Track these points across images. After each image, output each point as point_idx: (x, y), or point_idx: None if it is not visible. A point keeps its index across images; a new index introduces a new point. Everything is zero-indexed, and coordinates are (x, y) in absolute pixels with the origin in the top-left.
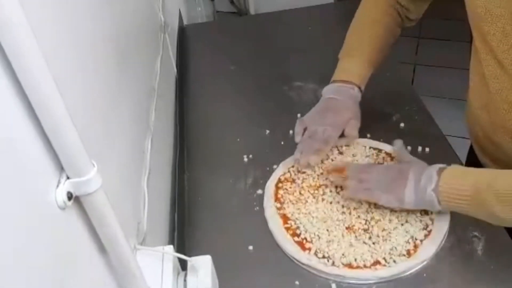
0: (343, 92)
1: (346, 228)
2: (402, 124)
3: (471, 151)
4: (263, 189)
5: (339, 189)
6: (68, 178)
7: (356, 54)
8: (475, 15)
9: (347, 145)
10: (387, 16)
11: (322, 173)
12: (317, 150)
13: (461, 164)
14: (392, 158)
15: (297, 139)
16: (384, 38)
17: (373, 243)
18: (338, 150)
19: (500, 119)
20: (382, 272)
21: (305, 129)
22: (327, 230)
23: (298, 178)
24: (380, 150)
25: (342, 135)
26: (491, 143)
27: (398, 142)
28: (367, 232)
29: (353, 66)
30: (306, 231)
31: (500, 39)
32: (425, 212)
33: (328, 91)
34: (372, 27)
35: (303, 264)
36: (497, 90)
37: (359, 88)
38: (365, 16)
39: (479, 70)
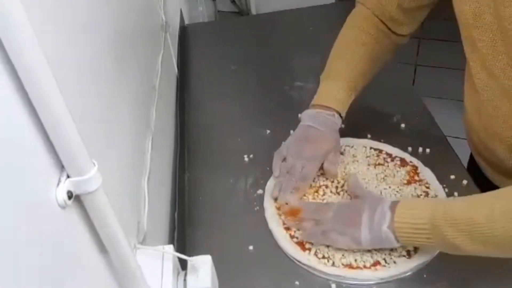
0: (321, 119)
1: None
2: (402, 125)
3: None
4: (263, 189)
5: (339, 189)
6: (68, 177)
7: (338, 78)
8: (464, 22)
9: (348, 145)
10: (372, 39)
11: (322, 174)
12: (296, 189)
13: (462, 165)
14: (393, 159)
15: (276, 173)
16: (368, 62)
17: None
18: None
19: (492, 126)
20: (382, 273)
21: (284, 159)
22: None
23: None
24: (380, 151)
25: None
26: (485, 148)
27: (352, 176)
28: None
29: (334, 91)
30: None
31: (490, 46)
32: None
33: (306, 117)
34: (356, 50)
35: (303, 264)
36: (488, 98)
37: (340, 114)
38: (348, 38)
39: (470, 77)
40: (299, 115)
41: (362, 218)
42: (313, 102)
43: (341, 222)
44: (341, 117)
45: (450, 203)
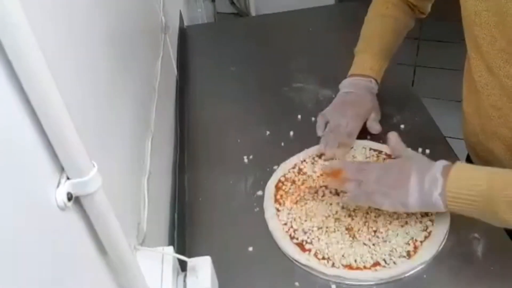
0: (359, 85)
1: (346, 229)
2: (402, 126)
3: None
4: (263, 190)
5: (339, 190)
6: (68, 178)
7: (369, 48)
8: (467, 19)
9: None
10: (398, 9)
11: (321, 175)
12: (342, 144)
13: None
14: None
15: (319, 132)
16: (395, 30)
17: (373, 244)
18: None
19: (491, 125)
20: (382, 273)
21: (326, 123)
22: (327, 231)
23: (298, 180)
24: (380, 152)
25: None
26: (484, 149)
27: (393, 136)
28: (367, 233)
29: (367, 60)
30: (305, 232)
31: (489, 42)
32: (425, 213)
33: (344, 85)
34: (383, 20)
35: (303, 265)
36: (487, 97)
37: (376, 81)
38: (376, 11)
39: (470, 77)
40: (299, 115)
41: (410, 181)
42: (349, 72)
43: (386, 183)
44: (377, 83)
45: (508, 177)
